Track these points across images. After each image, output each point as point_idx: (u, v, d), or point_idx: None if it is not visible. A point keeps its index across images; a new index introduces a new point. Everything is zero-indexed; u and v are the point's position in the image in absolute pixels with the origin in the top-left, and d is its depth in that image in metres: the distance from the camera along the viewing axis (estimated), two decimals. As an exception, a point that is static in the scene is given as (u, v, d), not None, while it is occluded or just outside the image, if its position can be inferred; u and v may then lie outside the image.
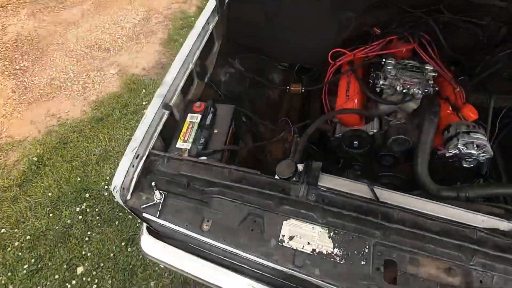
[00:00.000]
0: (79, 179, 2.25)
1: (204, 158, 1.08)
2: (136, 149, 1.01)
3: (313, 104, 1.78)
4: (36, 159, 2.34)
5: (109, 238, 2.00)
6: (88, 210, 2.10)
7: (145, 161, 1.03)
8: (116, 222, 2.05)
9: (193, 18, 3.56)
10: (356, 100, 1.40)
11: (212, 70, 1.49)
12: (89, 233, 2.01)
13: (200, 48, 1.29)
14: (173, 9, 3.76)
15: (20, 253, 1.93)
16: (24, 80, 2.93)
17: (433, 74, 1.37)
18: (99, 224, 2.05)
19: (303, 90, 1.64)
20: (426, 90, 1.34)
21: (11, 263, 1.90)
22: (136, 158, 1.01)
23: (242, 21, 1.58)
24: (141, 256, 1.91)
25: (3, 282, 1.82)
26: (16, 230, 2.02)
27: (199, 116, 1.21)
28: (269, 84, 1.66)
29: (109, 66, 3.11)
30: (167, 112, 1.12)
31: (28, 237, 1.98)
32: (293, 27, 1.62)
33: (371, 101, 1.46)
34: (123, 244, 1.96)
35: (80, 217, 2.07)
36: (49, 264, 1.89)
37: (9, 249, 1.95)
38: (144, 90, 2.86)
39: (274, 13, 1.56)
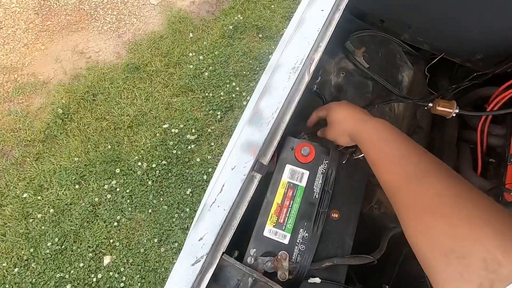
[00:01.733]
0: (109, 146, 1.87)
1: (318, 280, 0.60)
2: (204, 258, 0.53)
3: (448, 127, 1.15)
4: (61, 111, 1.95)
5: (141, 228, 1.71)
6: (118, 189, 1.77)
7: (213, 273, 0.56)
8: (150, 210, 1.73)
9: None
10: None
11: (318, 62, 0.87)
12: (118, 217, 1.72)
13: (327, 37, 0.67)
14: None
15: (43, 227, 1.70)
16: (48, -2, 2.35)
17: None
18: (129, 209, 1.74)
19: (454, 114, 1.00)
20: None
21: (34, 236, 1.69)
22: (199, 273, 0.54)
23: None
24: (174, 260, 1.63)
25: (25, 258, 1.64)
26: (39, 198, 1.76)
27: (305, 174, 0.68)
28: (401, 94, 1.02)
29: (151, -8, 2.41)
30: (258, 176, 0.60)
31: (52, 210, 1.73)
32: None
33: None
34: (155, 240, 1.66)
35: (109, 196, 1.75)
36: (73, 248, 1.66)
37: (31, 219, 1.73)
38: (191, 35, 2.23)
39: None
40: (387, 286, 0.97)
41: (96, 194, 1.76)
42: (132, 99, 2.03)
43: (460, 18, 1.01)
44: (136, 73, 2.09)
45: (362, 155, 0.84)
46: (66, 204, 1.75)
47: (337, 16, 0.69)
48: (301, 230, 0.63)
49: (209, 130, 1.92)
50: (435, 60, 1.16)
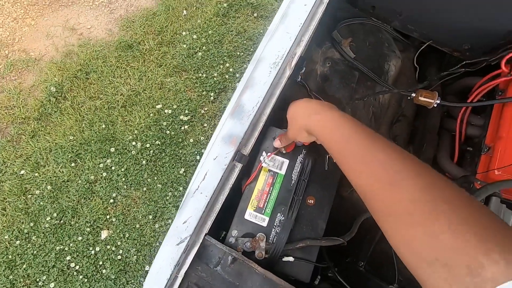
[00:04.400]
0: (103, 125, 1.90)
1: (291, 258, 0.66)
2: (187, 240, 0.59)
3: (431, 117, 1.19)
4: (54, 89, 1.95)
5: (136, 205, 1.78)
6: (113, 168, 1.82)
7: (197, 251, 0.62)
8: (144, 188, 1.80)
9: None
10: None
11: (302, 55, 0.90)
12: (114, 194, 1.78)
13: (310, 32, 0.69)
14: None
15: (42, 203, 1.77)
16: (36, -31, 2.26)
17: None
18: (125, 187, 1.80)
19: (435, 105, 1.03)
20: None
21: (33, 211, 1.76)
22: (184, 252, 0.60)
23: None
24: (169, 235, 1.72)
25: (26, 231, 1.72)
26: (36, 174, 1.82)
27: (285, 163, 0.73)
28: (387, 84, 1.05)
29: (142, -35, 2.32)
30: (239, 166, 0.64)
31: (49, 187, 1.78)
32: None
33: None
34: (150, 216, 1.74)
35: (104, 174, 1.81)
36: (72, 222, 1.74)
37: (30, 195, 1.79)
38: (185, 12, 2.18)
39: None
40: (362, 263, 1.06)
41: (92, 172, 1.81)
42: (125, 78, 2.02)
43: (450, 8, 1.02)
44: (129, 51, 2.07)
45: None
46: (63, 181, 1.81)
47: (321, 10, 0.70)
48: (279, 214, 0.69)
49: (202, 111, 1.95)
50: (423, 47, 1.17)
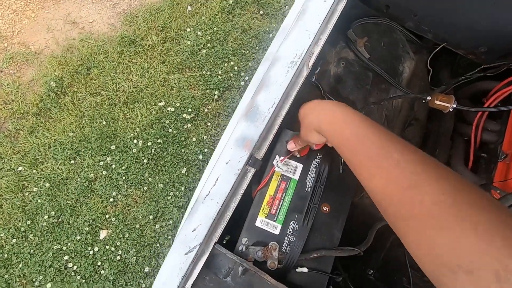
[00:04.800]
0: (104, 122, 1.86)
1: (305, 269, 0.62)
2: (196, 249, 0.55)
3: (445, 121, 1.16)
4: (54, 84, 1.90)
5: (136, 205, 1.74)
6: (113, 166, 1.78)
7: (206, 260, 0.58)
8: (145, 188, 1.75)
9: None
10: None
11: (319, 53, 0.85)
12: (114, 193, 1.74)
13: (329, 30, 0.65)
14: None
15: (39, 200, 1.72)
16: (37, -40, 2.21)
17: None
18: (125, 186, 1.76)
19: (451, 109, 0.99)
20: None
21: (30, 209, 1.71)
22: (192, 262, 0.56)
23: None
24: (169, 236, 1.68)
25: (22, 229, 1.68)
26: (34, 171, 1.77)
27: (299, 168, 0.69)
28: (402, 87, 1.01)
29: (147, -41, 2.27)
30: (252, 171, 0.60)
31: (48, 184, 1.74)
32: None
33: None
34: (151, 217, 1.70)
35: (104, 172, 1.77)
36: (70, 221, 1.69)
37: (27, 192, 1.74)
38: (189, 8, 2.14)
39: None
40: (372, 271, 1.02)
41: (91, 170, 1.77)
42: (127, 74, 1.98)
43: (467, 9, 0.99)
44: (131, 47, 2.03)
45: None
46: (62, 178, 1.77)
47: (340, 7, 0.66)
48: (292, 222, 0.65)
49: (206, 110, 1.91)
50: (438, 49, 1.14)
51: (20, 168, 1.78)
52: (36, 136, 1.85)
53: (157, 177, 1.77)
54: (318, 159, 0.69)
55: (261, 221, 0.66)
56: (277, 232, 0.65)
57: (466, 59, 1.17)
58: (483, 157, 1.05)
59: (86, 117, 1.88)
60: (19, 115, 1.88)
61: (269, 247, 0.62)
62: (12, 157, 1.80)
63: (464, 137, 1.13)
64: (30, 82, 1.95)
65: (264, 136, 0.60)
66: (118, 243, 1.66)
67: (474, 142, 1.05)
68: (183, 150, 1.82)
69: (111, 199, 1.73)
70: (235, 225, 0.67)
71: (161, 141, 1.82)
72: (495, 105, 0.98)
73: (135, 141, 1.82)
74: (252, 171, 0.60)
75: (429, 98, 1.01)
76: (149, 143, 1.81)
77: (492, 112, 1.04)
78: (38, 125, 1.87)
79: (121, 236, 1.68)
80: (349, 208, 0.69)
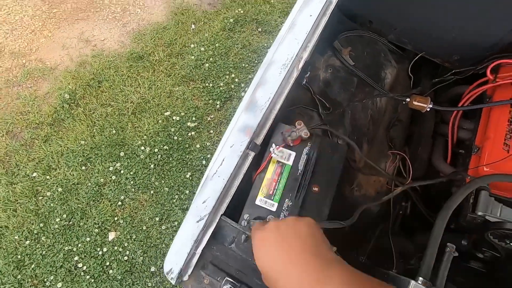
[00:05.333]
0: (113, 131, 1.99)
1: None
2: (206, 217, 0.66)
3: (426, 122, 1.28)
4: (68, 96, 2.05)
5: (143, 207, 1.84)
6: (122, 171, 1.89)
7: (213, 231, 0.69)
8: (152, 192, 1.86)
9: None
10: (525, 161, 0.92)
11: (307, 60, 0.99)
12: (122, 197, 1.84)
13: (315, 39, 0.79)
14: None
15: (52, 204, 1.82)
16: (55, -15, 2.42)
17: None
18: (133, 190, 1.86)
19: (428, 109, 1.12)
20: None
21: (43, 213, 1.81)
22: (202, 229, 0.67)
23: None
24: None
25: (35, 231, 1.77)
26: (47, 177, 1.88)
27: (292, 155, 0.81)
28: (383, 89, 1.15)
29: (154, -17, 2.48)
30: (252, 154, 0.72)
31: (60, 189, 1.85)
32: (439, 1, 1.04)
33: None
34: (157, 219, 1.80)
35: (113, 177, 1.88)
36: (81, 224, 1.79)
37: (41, 197, 1.85)
38: (193, 26, 2.32)
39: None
40: (363, 258, 1.12)
41: (101, 175, 1.88)
42: (135, 87, 2.13)
43: (440, 22, 1.14)
44: (139, 62, 2.19)
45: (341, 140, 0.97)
46: (73, 183, 1.88)
47: (324, 20, 0.80)
48: (287, 199, 0.76)
49: (209, 119, 2.04)
50: (416, 58, 1.28)
51: (34, 174, 1.89)
52: (50, 144, 1.97)
53: (163, 181, 1.88)
54: (308, 147, 0.81)
55: (260, 200, 0.77)
56: (274, 209, 0.76)
57: (446, 68, 1.31)
58: (461, 153, 1.17)
59: (97, 126, 2.01)
60: (34, 125, 2.02)
61: (267, 219, 0.73)
62: (28, 164, 1.91)
63: (445, 138, 1.25)
64: (45, 95, 2.10)
65: (262, 124, 0.73)
66: (126, 244, 1.75)
67: (451, 139, 1.17)
68: (187, 156, 1.94)
69: (119, 203, 1.83)
70: (238, 206, 0.78)
71: (167, 147, 1.94)
72: (467, 105, 1.10)
73: (142, 148, 1.94)
74: (252, 154, 0.72)
75: (408, 99, 1.14)
76: (156, 150, 1.93)
77: (466, 112, 1.17)
78: (52, 134, 2.00)
79: (129, 237, 1.77)
80: (335, 189, 0.80)
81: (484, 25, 1.05)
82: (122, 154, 1.92)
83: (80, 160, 1.91)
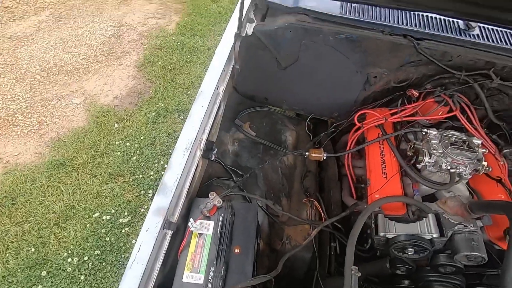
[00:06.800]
0: (32, 249, 1.77)
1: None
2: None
3: (330, 168, 1.51)
4: (-28, 223, 1.82)
5: (74, 333, 1.57)
6: (44, 295, 1.64)
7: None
8: (83, 309, 1.62)
9: (173, 38, 3.16)
10: (399, 183, 1.15)
11: (217, 137, 1.16)
12: (46, 327, 1.56)
13: (210, 123, 0.96)
14: (149, 25, 3.33)
15: None
16: (-42, 111, 2.34)
17: (484, 150, 1.17)
18: (60, 314, 1.60)
19: (325, 157, 1.36)
20: (476, 170, 1.14)
21: None
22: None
23: (254, 70, 1.30)
24: None
25: None
26: None
27: (211, 225, 0.88)
28: (284, 149, 1.36)
29: (72, 94, 2.61)
30: (169, 233, 0.77)
31: None
32: (311, 79, 1.37)
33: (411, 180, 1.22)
34: None
35: (33, 305, 1.61)
36: None
37: None
38: (116, 125, 2.42)
39: (290, 62, 1.30)
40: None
41: (17, 308, 1.59)
42: (57, 195, 2.02)
43: (314, 94, 1.47)
44: (61, 169, 2.13)
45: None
46: (-22, 329, 1.53)
47: (215, 108, 0.99)
48: (212, 268, 0.80)
49: (142, 210, 2.00)
50: (308, 119, 1.58)
51: None
52: None
53: (98, 297, 1.67)
54: (223, 214, 0.90)
55: (187, 276, 0.79)
56: (201, 281, 0.79)
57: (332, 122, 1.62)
58: (362, 187, 1.39)
59: (10, 249, 1.78)
60: None
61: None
62: None
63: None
64: None
65: (175, 203, 0.80)
66: None
67: (351, 178, 1.39)
68: (123, 255, 1.81)
69: (43, 336, 1.54)
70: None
71: (99, 252, 1.79)
72: (348, 149, 1.37)
73: (69, 259, 1.75)
74: (169, 232, 0.77)
75: (307, 153, 1.37)
76: (86, 258, 1.76)
77: (357, 154, 1.43)
78: (-51, 274, 1.68)
79: None
80: (254, 246, 0.87)
81: (342, 92, 1.41)
82: (44, 274, 1.69)
83: (-12, 296, 1.61)
